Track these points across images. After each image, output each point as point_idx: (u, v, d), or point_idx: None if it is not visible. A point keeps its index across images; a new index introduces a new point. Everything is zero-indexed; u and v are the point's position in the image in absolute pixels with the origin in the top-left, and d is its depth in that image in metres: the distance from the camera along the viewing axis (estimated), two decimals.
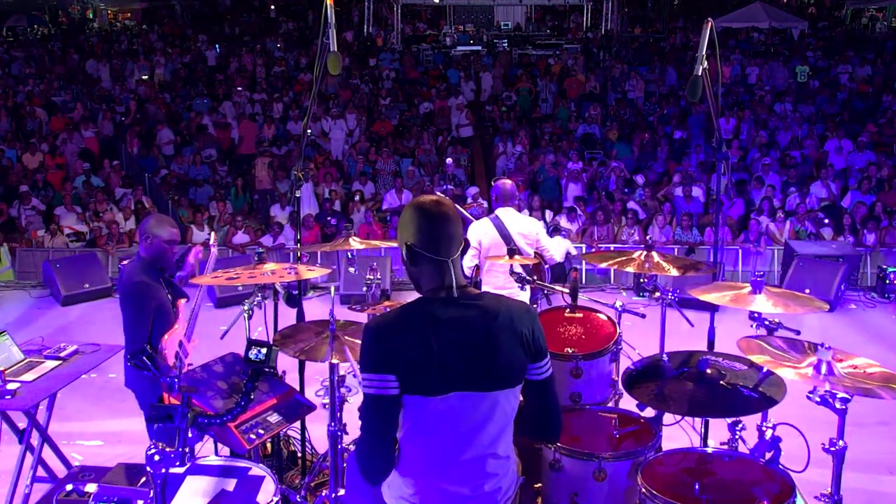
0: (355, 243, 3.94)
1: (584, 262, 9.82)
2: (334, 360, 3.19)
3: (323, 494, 3.56)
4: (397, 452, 2.27)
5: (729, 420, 3.07)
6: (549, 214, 10.95)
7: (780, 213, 10.71)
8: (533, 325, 2.28)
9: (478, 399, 2.19)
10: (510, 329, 2.21)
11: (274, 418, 3.40)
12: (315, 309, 6.34)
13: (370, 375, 2.16)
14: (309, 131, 4.66)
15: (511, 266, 4.15)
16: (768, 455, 2.86)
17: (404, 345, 2.14)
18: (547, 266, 5.40)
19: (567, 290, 3.78)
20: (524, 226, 5.21)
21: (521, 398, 2.34)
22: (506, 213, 5.21)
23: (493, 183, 5.61)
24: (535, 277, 4.31)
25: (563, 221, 10.80)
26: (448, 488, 2.24)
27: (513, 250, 4.21)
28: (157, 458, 2.39)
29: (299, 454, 4.28)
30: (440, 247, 2.23)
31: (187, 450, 2.47)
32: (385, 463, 2.22)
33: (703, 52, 3.66)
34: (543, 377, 2.32)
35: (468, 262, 5.35)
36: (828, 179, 11.65)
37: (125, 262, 4.18)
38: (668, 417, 3.30)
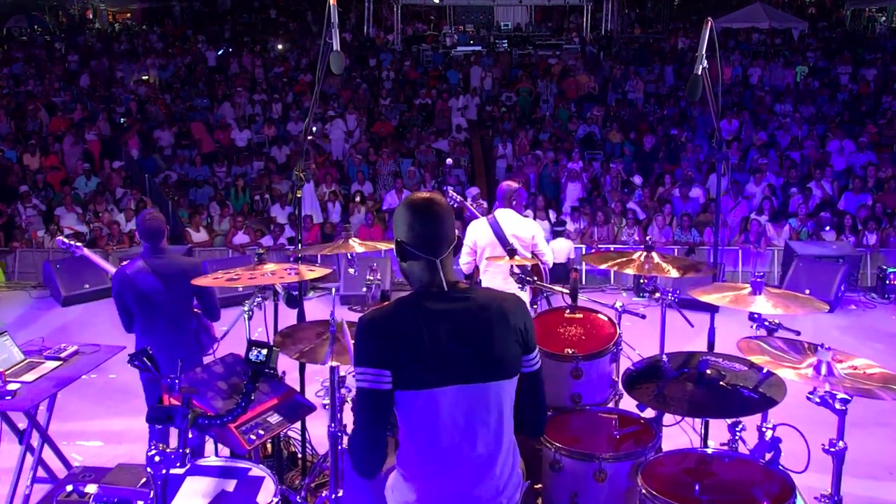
0: (355, 244, 3.94)
1: (584, 262, 9.82)
2: (334, 362, 3.19)
3: (323, 495, 3.55)
4: (398, 449, 2.27)
5: (729, 421, 3.07)
6: (552, 215, 10.95)
7: (777, 215, 10.72)
8: (525, 316, 2.31)
9: (476, 391, 2.20)
10: (503, 321, 2.24)
11: (274, 419, 3.40)
12: (315, 309, 6.34)
13: (364, 369, 2.17)
14: (314, 129, 4.70)
15: (511, 266, 4.16)
16: (768, 456, 2.86)
17: (399, 337, 2.16)
18: (545, 267, 5.40)
19: (567, 291, 3.78)
20: (520, 228, 5.20)
21: None
22: (503, 215, 5.21)
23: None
24: (535, 278, 4.31)
25: (569, 222, 10.82)
26: (452, 491, 2.23)
27: (513, 250, 4.21)
28: (157, 458, 2.39)
29: (299, 455, 4.28)
30: (430, 246, 2.25)
31: (188, 450, 2.47)
32: (378, 457, 2.23)
33: (703, 52, 3.67)
34: (534, 368, 2.35)
35: (463, 259, 5.38)
36: (822, 180, 11.64)
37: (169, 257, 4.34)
38: (668, 418, 3.30)
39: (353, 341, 2.27)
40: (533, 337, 2.32)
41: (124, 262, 4.30)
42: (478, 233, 5.23)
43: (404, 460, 2.28)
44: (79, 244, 4.89)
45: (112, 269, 4.46)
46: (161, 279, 4.18)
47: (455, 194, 5.73)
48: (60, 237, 5.05)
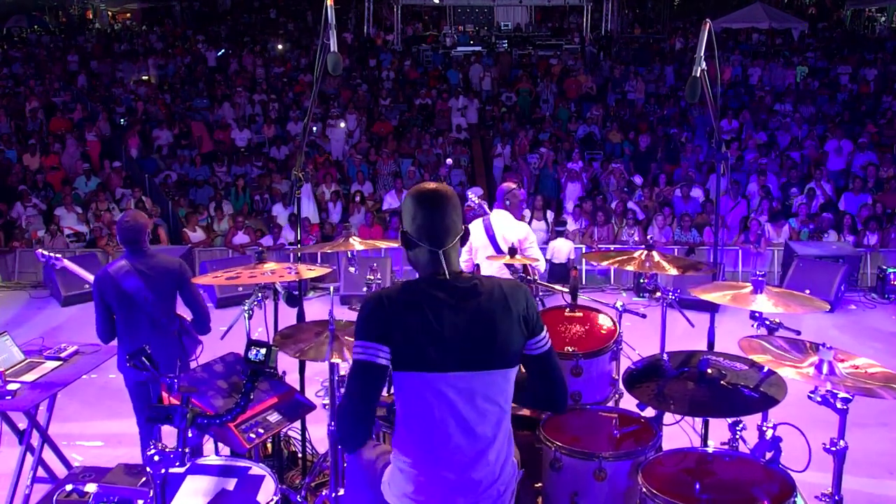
0: (355, 243, 3.94)
1: (584, 262, 9.81)
2: (334, 360, 3.19)
3: (323, 494, 3.56)
4: (394, 436, 2.27)
5: (729, 420, 3.07)
6: (550, 215, 10.95)
7: (777, 216, 10.71)
8: (526, 300, 2.32)
9: (476, 378, 2.21)
10: (505, 307, 2.25)
11: (274, 418, 3.40)
12: (315, 309, 6.34)
13: (364, 343, 2.19)
14: (315, 129, 4.68)
15: (509, 266, 4.16)
16: (769, 455, 2.86)
17: (403, 318, 2.18)
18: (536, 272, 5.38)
19: (567, 290, 3.78)
20: (509, 230, 5.20)
21: (523, 370, 2.37)
22: (496, 216, 5.24)
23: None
24: (535, 278, 4.32)
25: (570, 222, 10.80)
26: (449, 478, 2.24)
27: (514, 250, 4.21)
28: (156, 458, 2.39)
29: (300, 454, 4.28)
30: (433, 237, 2.28)
31: (187, 450, 2.46)
32: (363, 431, 2.26)
33: (702, 53, 3.66)
34: (542, 350, 2.35)
35: (462, 257, 5.38)
36: (822, 180, 11.64)
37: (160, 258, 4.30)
38: (668, 417, 3.29)
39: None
40: (537, 319, 2.33)
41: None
42: (473, 233, 5.25)
43: (400, 447, 2.29)
44: (58, 256, 4.80)
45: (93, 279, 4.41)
46: (145, 279, 4.11)
47: (475, 197, 5.58)
48: (40, 250, 4.95)
